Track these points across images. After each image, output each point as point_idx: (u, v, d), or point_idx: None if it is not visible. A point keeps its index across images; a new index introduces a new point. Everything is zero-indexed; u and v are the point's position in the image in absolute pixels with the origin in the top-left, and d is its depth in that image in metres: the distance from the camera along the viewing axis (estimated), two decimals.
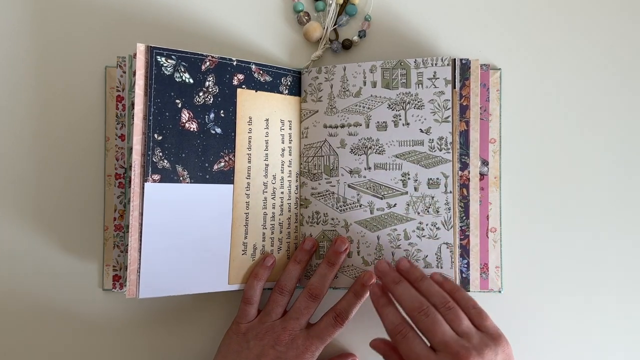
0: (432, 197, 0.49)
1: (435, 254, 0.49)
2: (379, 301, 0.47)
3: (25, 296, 0.52)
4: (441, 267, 0.49)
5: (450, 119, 0.48)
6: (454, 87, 0.49)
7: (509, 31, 0.54)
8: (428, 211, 0.49)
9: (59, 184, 0.53)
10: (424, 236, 0.49)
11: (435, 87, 0.49)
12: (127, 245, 0.46)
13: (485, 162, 0.51)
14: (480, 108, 0.50)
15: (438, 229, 0.49)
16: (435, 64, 0.49)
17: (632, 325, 0.53)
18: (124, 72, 0.51)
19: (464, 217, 0.49)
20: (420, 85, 0.49)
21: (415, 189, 0.49)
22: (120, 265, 0.51)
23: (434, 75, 0.49)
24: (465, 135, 0.49)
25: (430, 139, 0.49)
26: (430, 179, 0.49)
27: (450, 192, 0.48)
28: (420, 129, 0.49)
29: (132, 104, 0.45)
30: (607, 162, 0.54)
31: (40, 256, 0.52)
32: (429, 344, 0.43)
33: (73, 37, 0.53)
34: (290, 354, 0.47)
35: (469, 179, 0.49)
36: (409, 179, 0.49)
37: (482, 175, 0.51)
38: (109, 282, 0.52)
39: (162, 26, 0.53)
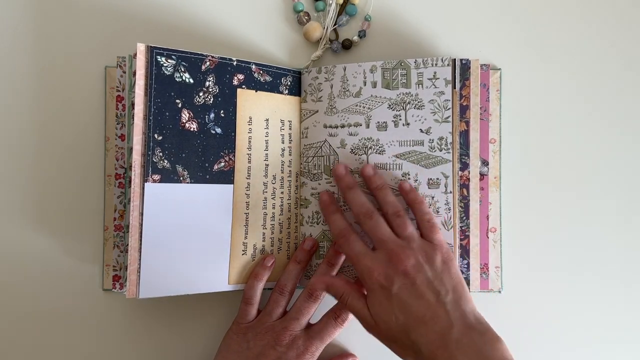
0: (432, 197, 0.49)
1: None
2: (328, 208, 0.48)
3: (25, 296, 0.52)
4: None
5: (450, 119, 0.48)
6: (454, 87, 0.49)
7: (509, 31, 0.54)
8: None
9: (59, 184, 0.52)
10: None
11: (436, 87, 0.49)
12: (127, 245, 0.46)
13: (485, 162, 0.51)
14: (480, 108, 0.50)
15: (439, 229, 0.49)
16: (436, 64, 0.49)
17: (633, 325, 0.53)
18: (124, 72, 0.51)
19: (464, 217, 0.49)
20: (420, 86, 0.49)
21: (415, 189, 0.49)
22: (120, 265, 0.51)
23: (434, 76, 0.49)
24: (465, 136, 0.49)
25: (430, 139, 0.49)
26: (430, 179, 0.49)
27: (451, 192, 0.48)
28: (421, 129, 0.49)
29: (132, 104, 0.45)
30: (608, 161, 0.54)
31: (40, 256, 0.52)
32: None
33: (73, 37, 0.53)
34: (290, 354, 0.47)
35: (469, 179, 0.49)
36: (409, 179, 0.49)
37: (482, 175, 0.51)
38: (109, 282, 0.52)
39: (162, 26, 0.53)
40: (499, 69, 0.53)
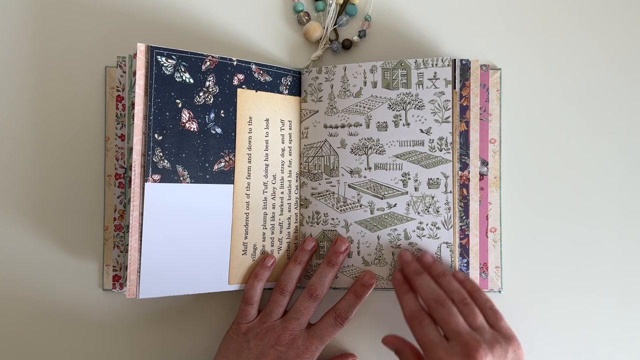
0: (432, 197, 0.49)
1: (435, 253, 0.49)
2: (401, 287, 0.48)
3: (25, 296, 0.52)
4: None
5: (450, 119, 0.48)
6: (454, 87, 0.49)
7: (509, 31, 0.54)
8: (428, 211, 0.49)
9: (59, 184, 0.52)
10: (424, 236, 0.49)
11: (436, 88, 0.49)
12: (127, 245, 0.46)
13: (485, 162, 0.51)
14: (480, 108, 0.50)
15: (438, 228, 0.49)
16: (436, 65, 0.49)
17: (633, 325, 0.53)
18: (124, 72, 0.51)
19: (464, 217, 0.49)
20: (420, 86, 0.49)
21: (416, 189, 0.49)
22: (120, 266, 0.51)
23: (434, 76, 0.49)
24: (465, 136, 0.49)
25: (430, 139, 0.49)
26: (431, 179, 0.49)
27: (451, 192, 0.49)
28: (421, 129, 0.49)
29: (132, 104, 0.45)
30: (608, 161, 0.54)
31: (41, 256, 0.52)
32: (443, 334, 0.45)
33: (73, 37, 0.53)
34: (290, 354, 0.47)
35: (468, 179, 0.49)
36: (409, 179, 0.49)
37: (482, 176, 0.51)
38: (109, 282, 0.52)
39: (162, 26, 0.53)
40: (499, 69, 0.53)
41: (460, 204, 0.49)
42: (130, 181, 0.45)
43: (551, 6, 0.54)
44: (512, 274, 0.53)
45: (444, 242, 0.49)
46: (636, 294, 0.53)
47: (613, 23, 0.54)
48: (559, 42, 0.54)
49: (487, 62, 0.52)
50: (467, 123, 0.49)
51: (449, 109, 0.48)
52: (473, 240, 0.50)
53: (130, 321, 0.53)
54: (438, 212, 0.49)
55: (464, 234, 0.49)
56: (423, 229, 0.49)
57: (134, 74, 0.45)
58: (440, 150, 0.49)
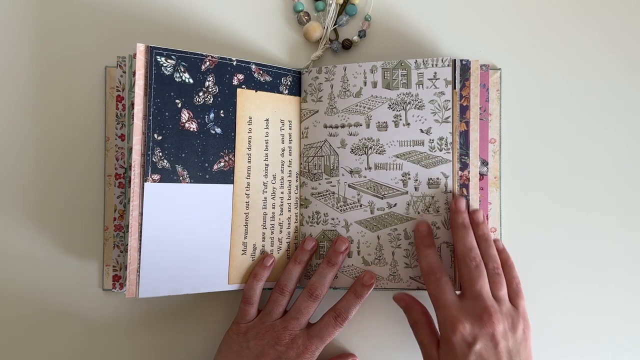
0: (432, 197, 0.49)
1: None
2: (424, 240, 0.48)
3: (25, 296, 0.52)
4: None
5: (450, 119, 0.48)
6: (454, 87, 0.49)
7: (509, 31, 0.54)
8: (428, 211, 0.49)
9: (59, 184, 0.52)
10: None
11: (436, 88, 0.49)
12: (127, 245, 0.46)
13: (484, 162, 0.51)
14: (480, 108, 0.50)
15: (438, 228, 0.49)
16: (436, 65, 0.49)
17: (633, 325, 0.53)
18: (124, 72, 0.51)
19: None
20: (420, 86, 0.49)
21: (416, 189, 0.49)
22: (120, 266, 0.51)
23: (434, 76, 0.49)
24: (465, 136, 0.49)
25: (430, 139, 0.49)
26: (431, 178, 0.49)
27: (450, 191, 0.48)
28: (421, 129, 0.49)
29: (132, 104, 0.45)
30: (608, 161, 0.54)
31: (41, 256, 0.52)
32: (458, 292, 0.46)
33: (73, 37, 0.53)
34: (290, 354, 0.47)
35: (468, 179, 0.49)
36: (409, 178, 0.49)
37: (482, 175, 0.51)
38: (109, 282, 0.52)
39: (162, 26, 0.53)
40: (499, 69, 0.53)
41: None
42: (130, 181, 0.45)
43: (551, 6, 0.54)
44: None
45: (444, 242, 0.49)
46: (637, 293, 0.53)
47: (613, 23, 0.54)
48: (559, 42, 0.54)
49: (487, 62, 0.52)
50: (467, 123, 0.49)
51: (449, 109, 0.48)
52: None
53: (130, 321, 0.53)
54: (438, 211, 0.49)
55: None
56: None
57: (134, 74, 0.45)
58: (440, 150, 0.48)
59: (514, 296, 0.47)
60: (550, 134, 0.54)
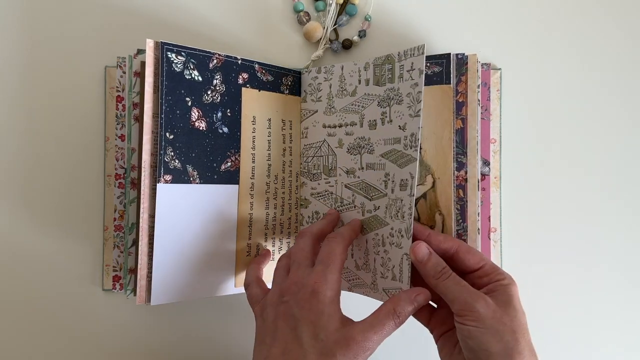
0: (402, 201, 0.43)
1: (399, 264, 0.43)
2: (437, 275, 0.41)
3: (25, 296, 0.53)
4: (401, 282, 0.43)
5: (421, 112, 0.42)
6: (447, 82, 0.45)
7: (509, 31, 0.54)
8: (397, 216, 0.43)
9: (59, 184, 0.53)
10: (392, 244, 0.44)
11: (412, 79, 0.43)
12: (127, 245, 0.46)
13: (486, 162, 0.49)
14: (482, 107, 0.48)
15: (402, 236, 0.43)
16: (412, 55, 0.43)
17: (633, 325, 0.53)
18: (124, 72, 0.51)
19: (461, 220, 0.45)
20: (401, 79, 0.44)
21: (392, 191, 0.44)
22: (120, 266, 0.51)
23: (411, 67, 0.43)
24: (461, 133, 0.45)
25: (405, 136, 0.43)
26: (402, 179, 0.43)
27: (413, 195, 0.42)
28: (399, 126, 0.44)
29: (133, 104, 0.45)
30: (608, 161, 0.53)
31: (40, 256, 0.52)
32: None
33: (73, 37, 0.53)
34: (308, 281, 0.40)
35: (465, 179, 0.45)
36: (389, 180, 0.44)
37: (484, 176, 0.49)
38: (109, 283, 0.52)
39: (162, 26, 0.53)
40: (499, 68, 0.53)
41: (456, 207, 0.45)
42: (131, 182, 0.45)
43: (551, 6, 0.54)
44: (512, 274, 0.52)
45: (405, 254, 0.42)
46: (636, 293, 0.53)
47: (613, 23, 0.54)
48: (559, 42, 0.54)
49: (487, 62, 0.52)
50: (464, 120, 0.46)
51: (420, 101, 0.42)
52: (471, 244, 0.45)
53: (130, 321, 0.53)
54: (403, 217, 0.43)
55: (461, 238, 0.45)
56: (393, 236, 0.44)
57: (135, 73, 0.45)
58: (410, 148, 0.42)
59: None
60: (551, 134, 0.53)
